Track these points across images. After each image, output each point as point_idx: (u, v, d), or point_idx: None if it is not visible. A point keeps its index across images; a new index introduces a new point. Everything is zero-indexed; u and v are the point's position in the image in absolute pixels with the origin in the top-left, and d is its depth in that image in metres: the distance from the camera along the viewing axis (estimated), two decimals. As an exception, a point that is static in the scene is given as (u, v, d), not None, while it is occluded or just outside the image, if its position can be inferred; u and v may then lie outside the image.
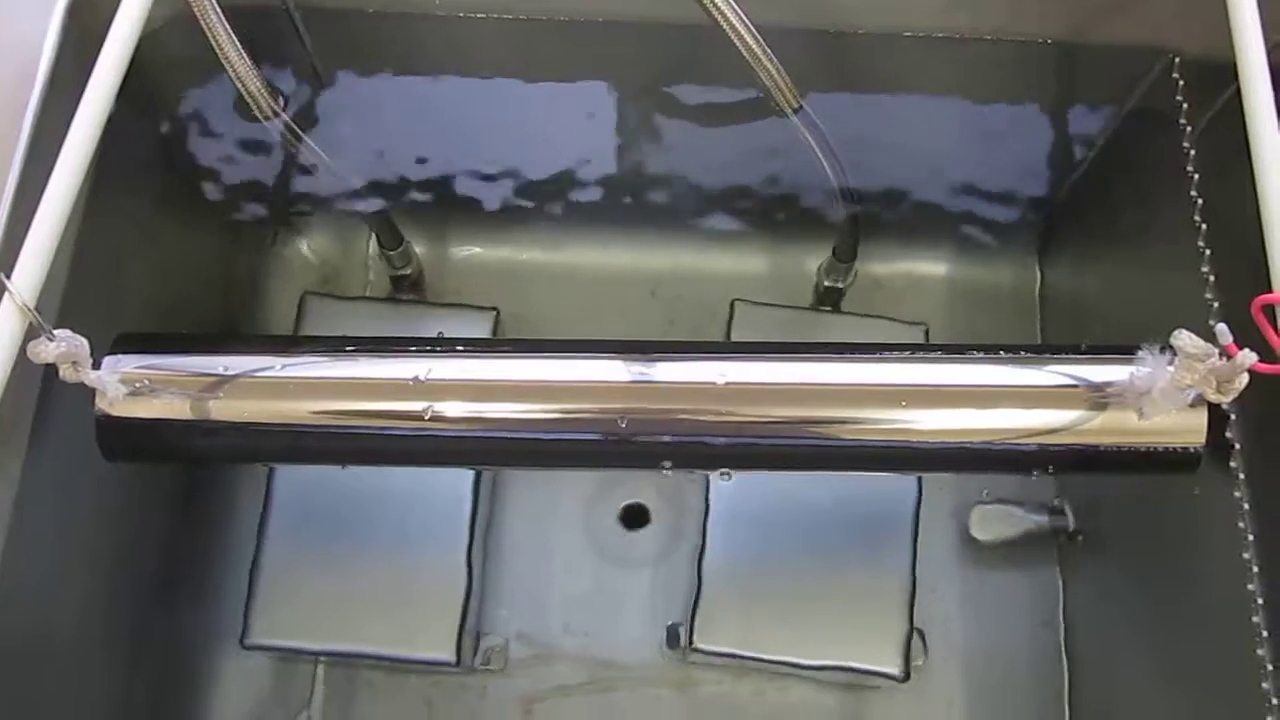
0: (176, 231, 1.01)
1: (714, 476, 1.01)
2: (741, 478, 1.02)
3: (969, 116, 0.98)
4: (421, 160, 1.04)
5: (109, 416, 0.78)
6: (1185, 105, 0.89)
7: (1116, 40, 0.90)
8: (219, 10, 0.79)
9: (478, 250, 1.15)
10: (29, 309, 0.64)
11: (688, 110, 0.98)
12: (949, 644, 1.07)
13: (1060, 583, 1.08)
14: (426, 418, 0.78)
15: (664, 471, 0.80)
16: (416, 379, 0.78)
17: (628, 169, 1.07)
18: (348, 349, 0.81)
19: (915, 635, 0.99)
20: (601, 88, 0.98)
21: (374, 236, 1.10)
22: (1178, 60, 0.89)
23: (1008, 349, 0.81)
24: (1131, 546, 0.99)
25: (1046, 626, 1.07)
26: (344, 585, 0.98)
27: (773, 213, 1.09)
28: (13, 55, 0.76)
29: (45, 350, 0.66)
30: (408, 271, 1.06)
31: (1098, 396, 0.77)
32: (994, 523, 1.06)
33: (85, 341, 0.72)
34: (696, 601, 0.99)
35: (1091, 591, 1.04)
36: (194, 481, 1.08)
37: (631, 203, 1.10)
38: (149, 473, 0.99)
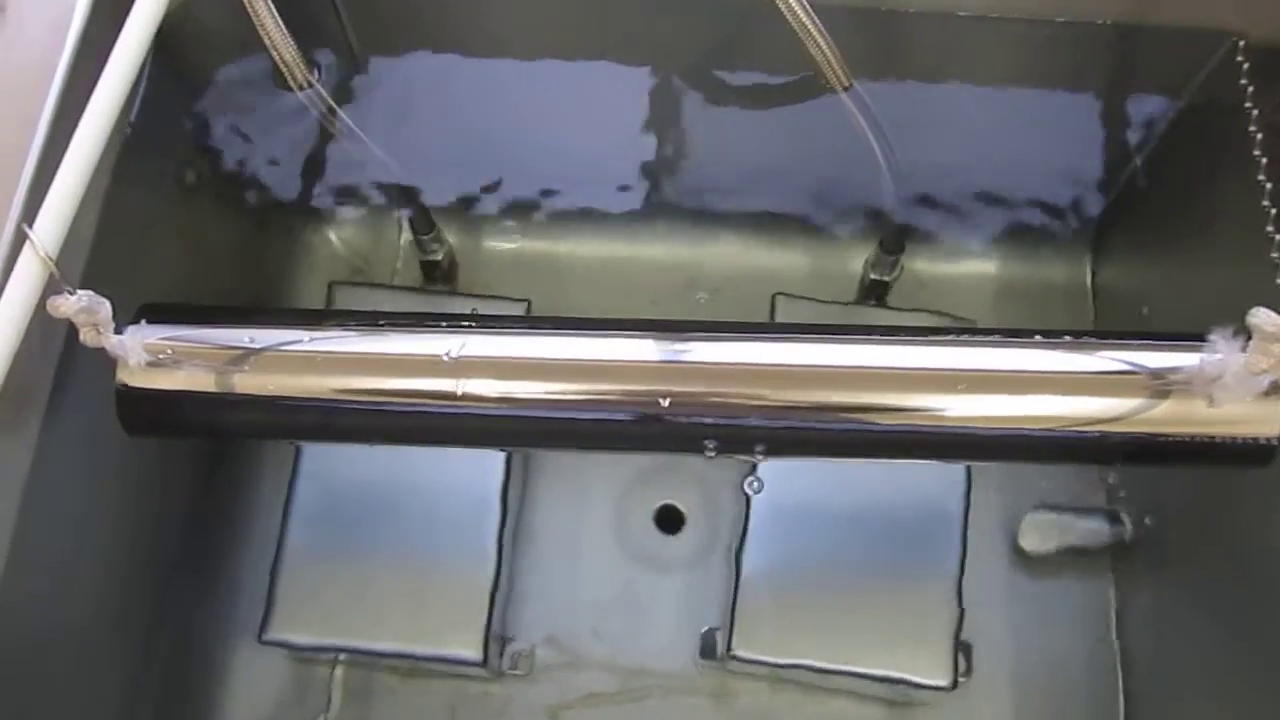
0: (203, 216, 1.00)
1: (747, 485, 0.99)
2: (781, 479, 1.01)
3: (1022, 103, 0.96)
4: (457, 145, 1.03)
5: (130, 387, 0.77)
6: (1251, 89, 0.86)
7: (1178, 22, 0.88)
8: (256, -31, 0.79)
9: (511, 242, 1.14)
10: (49, 260, 0.63)
11: (732, 93, 0.96)
12: (998, 658, 1.03)
13: (1114, 595, 1.04)
14: (458, 395, 0.77)
15: (708, 453, 0.78)
16: (448, 355, 0.77)
17: (668, 157, 1.05)
18: (379, 323, 0.79)
19: (962, 649, 0.95)
20: (644, 71, 0.97)
21: (405, 225, 1.09)
22: (1242, 44, 0.87)
23: (1068, 333, 0.79)
24: (1195, 556, 0.95)
25: (1101, 641, 1.03)
26: (367, 580, 0.96)
27: (817, 206, 1.07)
28: (44, 15, 0.75)
29: (65, 304, 0.65)
30: (439, 257, 1.05)
31: (1161, 384, 0.75)
32: (1045, 532, 1.03)
33: (107, 303, 0.71)
34: (734, 606, 0.96)
35: (1150, 604, 1.00)
36: (215, 467, 1.06)
37: (671, 193, 1.09)
38: (168, 454, 0.97)
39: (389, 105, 0.98)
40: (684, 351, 0.77)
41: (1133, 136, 0.97)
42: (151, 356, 0.76)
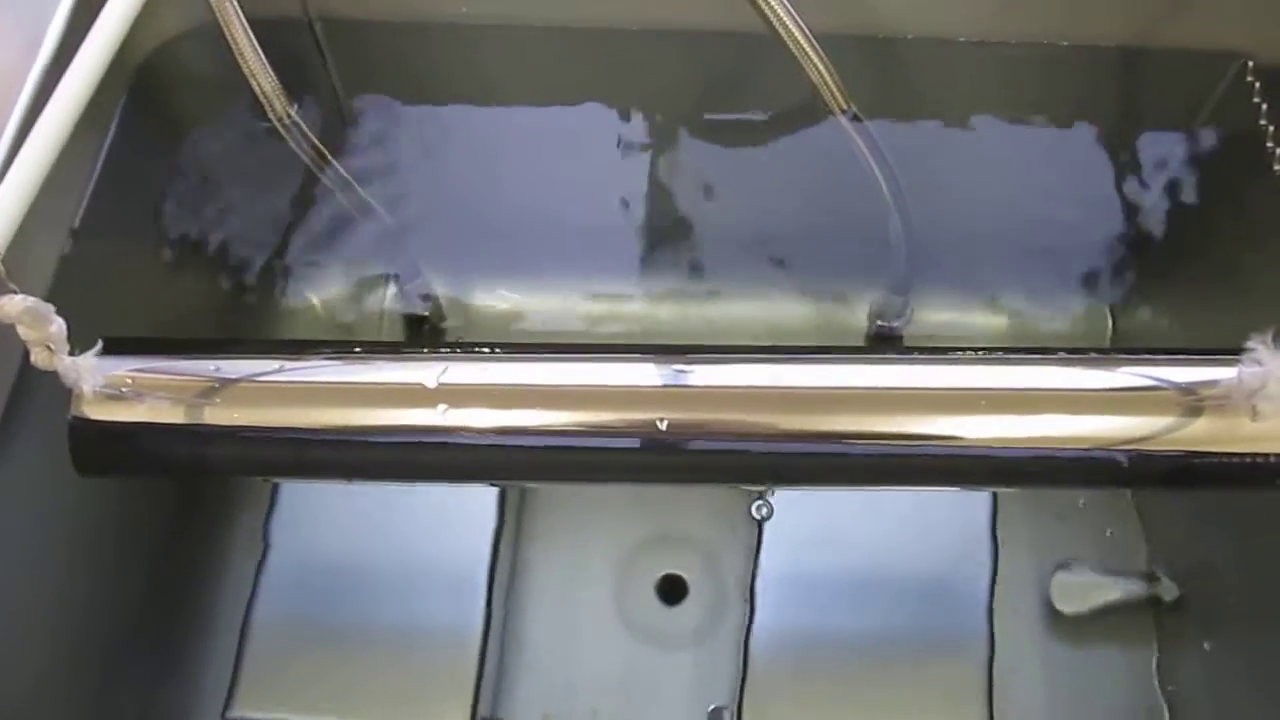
0: (173, 277, 0.97)
1: (756, 510, 0.94)
2: (793, 541, 0.96)
3: (1028, 137, 0.94)
4: (446, 197, 1.01)
5: (84, 420, 0.72)
6: (1265, 106, 0.85)
7: (1184, 45, 0.87)
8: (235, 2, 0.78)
9: (503, 301, 1.10)
10: (-7, 254, 0.60)
11: (728, 133, 0.95)
12: (1034, 735, 0.96)
13: (1158, 661, 0.97)
14: (441, 425, 0.73)
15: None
16: (431, 384, 0.73)
17: (663, 209, 1.03)
18: (356, 350, 0.76)
19: (995, 726, 0.89)
20: (637, 118, 0.96)
21: (390, 284, 1.06)
22: (1251, 64, 0.86)
23: (1094, 350, 0.75)
24: (1251, 615, 0.89)
25: (1149, 713, 0.96)
26: (343, 653, 0.90)
27: (819, 255, 1.05)
28: (22, 24, 0.74)
29: (8, 304, 0.61)
30: (426, 312, 1.02)
31: (1194, 399, 0.71)
32: (1080, 592, 0.96)
33: (60, 320, 0.67)
34: (744, 679, 0.90)
35: (1200, 671, 0.93)
36: (179, 527, 0.99)
37: (667, 248, 1.06)
38: (126, 509, 0.91)
39: (374, 154, 0.96)
40: (685, 374, 0.73)
41: (1147, 169, 0.95)
42: (112, 389, 0.73)
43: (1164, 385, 0.72)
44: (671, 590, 1.02)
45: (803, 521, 0.95)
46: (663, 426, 0.71)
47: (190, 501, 1.01)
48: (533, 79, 0.93)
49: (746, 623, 0.92)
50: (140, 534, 0.93)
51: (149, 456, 0.73)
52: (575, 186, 1.00)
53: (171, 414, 0.73)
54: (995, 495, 0.95)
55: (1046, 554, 1.00)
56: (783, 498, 0.96)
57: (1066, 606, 0.96)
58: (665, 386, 0.73)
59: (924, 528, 0.95)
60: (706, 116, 0.95)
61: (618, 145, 0.98)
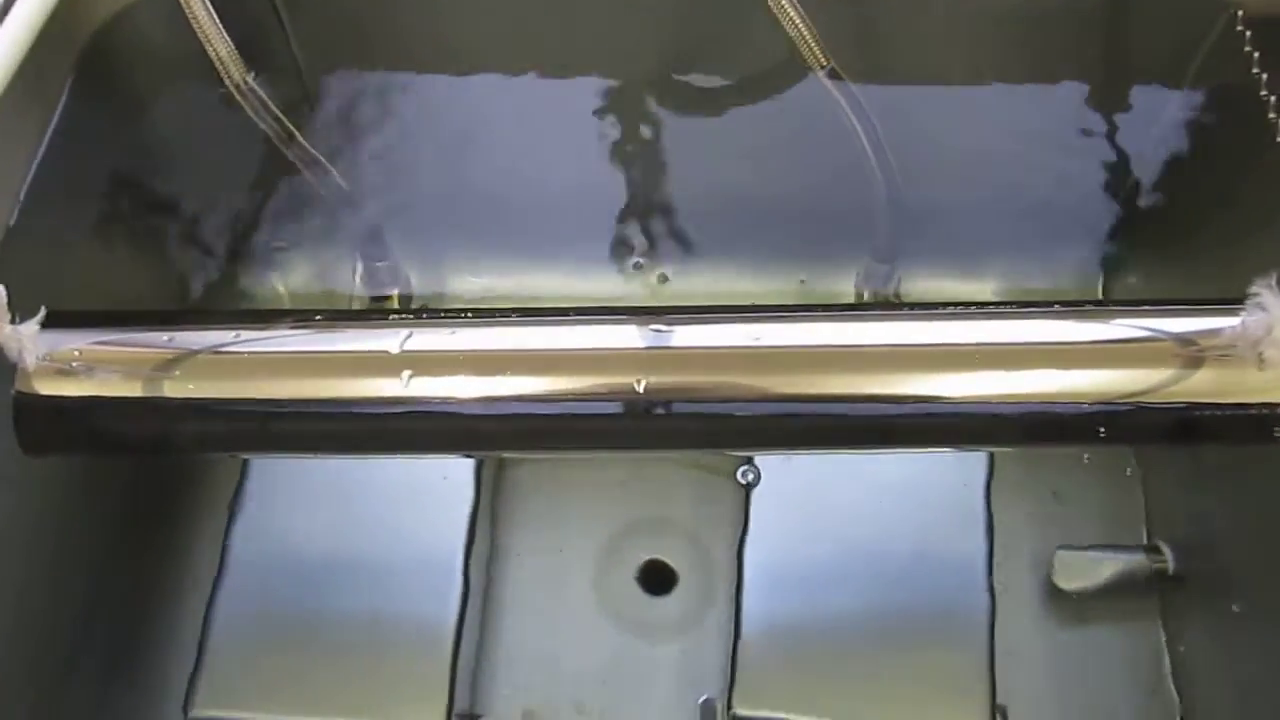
0: (126, 255, 0.94)
1: (741, 475, 0.91)
2: (783, 519, 0.92)
3: (1014, 99, 0.92)
4: (414, 172, 0.98)
5: (28, 395, 0.69)
6: (1257, 54, 0.83)
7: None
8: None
9: (476, 277, 1.07)
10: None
11: (705, 97, 0.92)
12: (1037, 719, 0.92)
13: (1165, 639, 0.94)
14: (405, 395, 0.70)
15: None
16: (394, 351, 0.70)
17: (640, 179, 1.00)
18: (316, 318, 0.73)
19: (998, 712, 0.85)
20: (611, 83, 0.93)
21: (357, 266, 1.03)
22: (1240, 13, 0.84)
23: (1089, 303, 0.73)
24: (1260, 586, 0.86)
25: (1155, 695, 0.93)
26: (311, 649, 0.86)
27: (801, 224, 1.02)
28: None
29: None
30: (393, 292, 0.99)
31: (1194, 350, 0.69)
32: (1081, 568, 0.93)
33: (1, 288, 0.64)
34: (734, 666, 0.87)
35: (1208, 647, 0.90)
36: (137, 513, 0.96)
37: (646, 220, 1.04)
38: (78, 493, 0.88)
39: (338, 127, 0.94)
40: (664, 335, 0.70)
41: (1138, 129, 0.93)
42: (59, 363, 0.70)
43: (1163, 336, 0.70)
44: (657, 578, 0.99)
45: (792, 498, 0.92)
46: (640, 389, 0.69)
47: (148, 485, 0.97)
48: (498, 47, 0.90)
49: (734, 606, 0.89)
50: (94, 520, 0.90)
51: (100, 433, 0.70)
52: (545, 158, 0.97)
53: (123, 388, 0.69)
54: (991, 468, 0.92)
55: (1045, 531, 0.97)
56: (772, 471, 0.93)
57: (1068, 583, 0.93)
58: (643, 348, 0.70)
59: (917, 503, 0.92)
60: (676, 77, 0.93)
61: (586, 113, 0.95)
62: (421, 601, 0.89)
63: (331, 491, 0.92)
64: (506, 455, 0.96)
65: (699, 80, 0.92)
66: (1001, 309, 0.72)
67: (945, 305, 0.72)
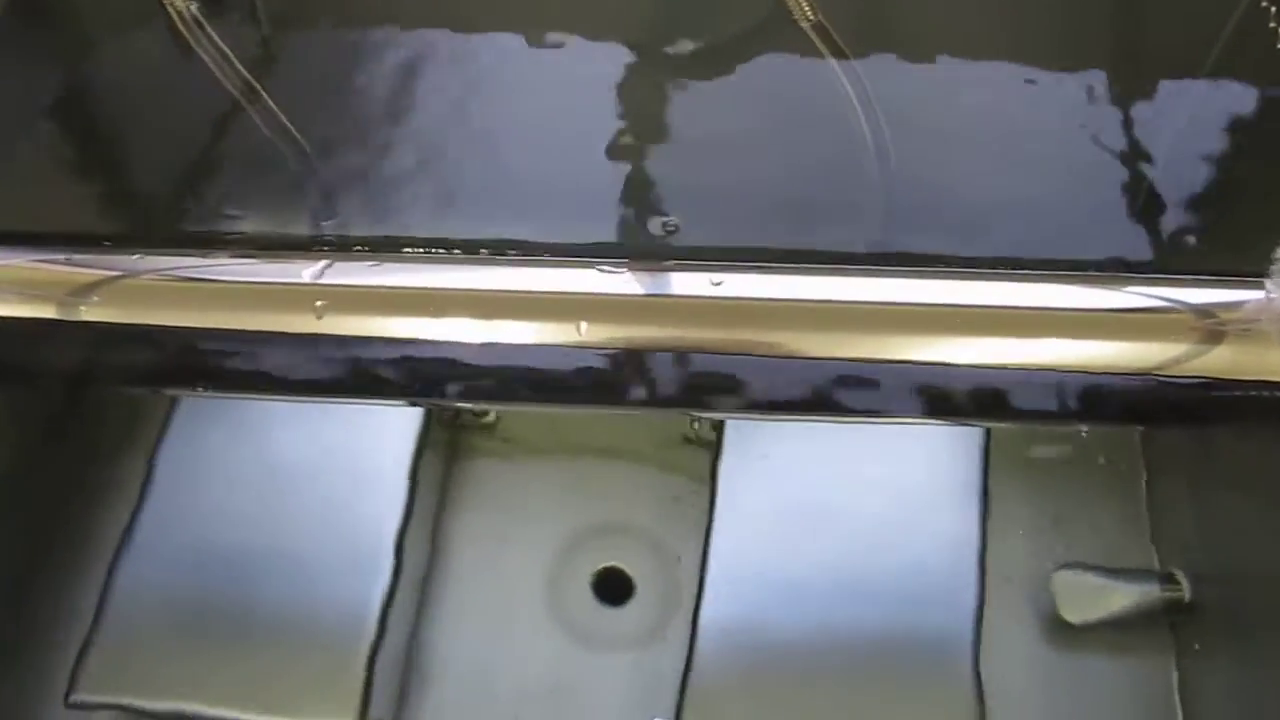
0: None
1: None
2: (751, 516, 0.84)
3: (1035, 81, 0.85)
4: (370, 133, 0.91)
5: None
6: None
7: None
8: None
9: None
10: None
11: (691, 62, 0.86)
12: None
13: (1178, 677, 0.84)
14: (317, 331, 0.63)
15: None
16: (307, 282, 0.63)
17: (622, 163, 0.93)
18: (233, 244, 0.66)
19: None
20: (593, 47, 0.87)
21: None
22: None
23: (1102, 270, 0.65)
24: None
25: (1168, 740, 0.82)
26: (216, 632, 0.78)
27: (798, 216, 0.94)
28: None
29: None
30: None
31: (1214, 323, 0.61)
32: (1086, 596, 0.84)
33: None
34: (687, 676, 0.78)
35: (1228, 686, 0.80)
36: (34, 464, 0.87)
37: (634, 214, 0.96)
38: None
39: (299, 84, 0.87)
40: (613, 277, 0.63)
41: (1158, 113, 0.85)
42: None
43: (1181, 307, 0.63)
44: (613, 586, 0.90)
45: (765, 500, 0.84)
46: (582, 333, 0.62)
47: (51, 433, 0.90)
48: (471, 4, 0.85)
49: (693, 614, 0.80)
50: None
51: (11, 359, 0.64)
52: (519, 128, 0.90)
53: (24, 308, 0.63)
54: (985, 473, 0.83)
55: (1044, 552, 0.88)
56: (740, 466, 0.85)
57: (1072, 614, 0.83)
58: (591, 293, 0.63)
59: (903, 511, 0.83)
60: (669, 48, 0.86)
61: (574, 82, 0.88)
62: (344, 586, 0.81)
63: (257, 456, 0.85)
64: (439, 405, 0.88)
65: (685, 45, 0.85)
66: (998, 271, 0.64)
67: (938, 262, 0.64)
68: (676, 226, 0.70)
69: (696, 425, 0.93)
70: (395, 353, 0.64)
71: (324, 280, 0.63)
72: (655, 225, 0.70)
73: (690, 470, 0.93)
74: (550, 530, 0.91)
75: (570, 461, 0.94)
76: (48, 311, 0.64)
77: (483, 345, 0.62)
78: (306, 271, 0.64)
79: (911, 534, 0.82)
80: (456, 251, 0.67)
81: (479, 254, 0.66)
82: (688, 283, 0.64)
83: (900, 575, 0.80)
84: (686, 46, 0.82)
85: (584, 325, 0.62)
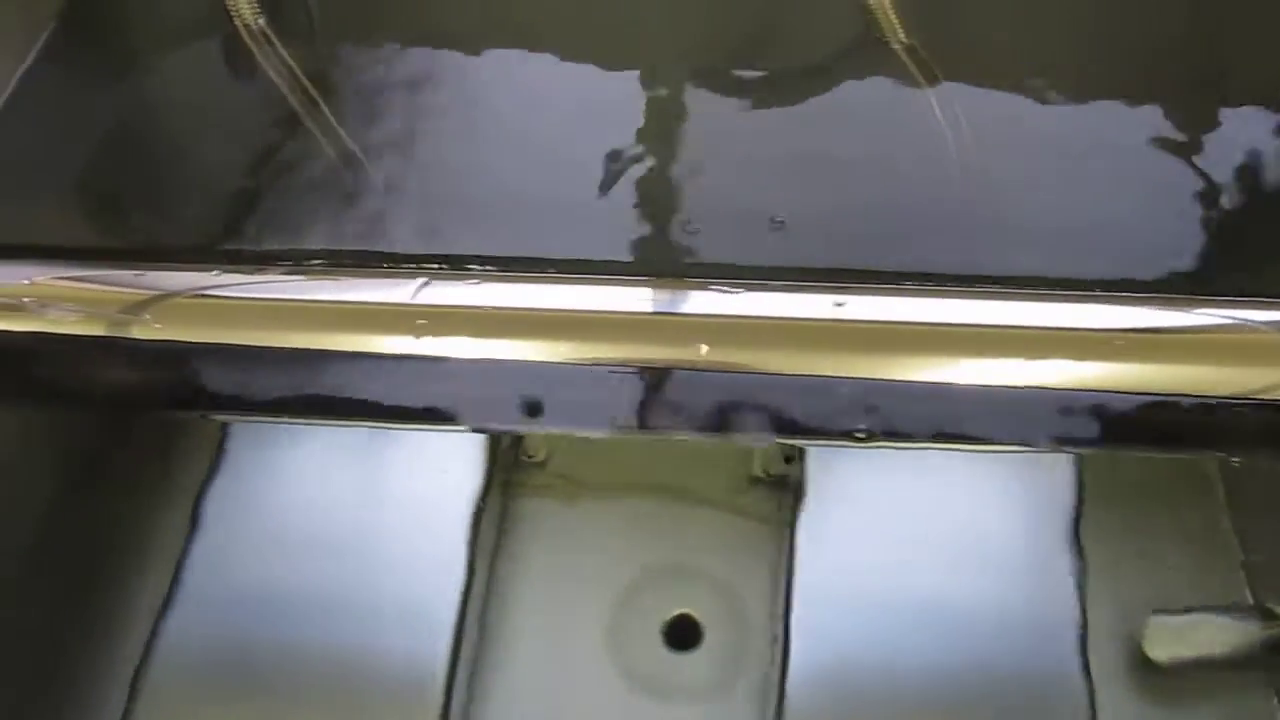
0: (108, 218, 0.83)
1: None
2: (836, 559, 0.81)
3: (1126, 101, 0.84)
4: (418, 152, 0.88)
5: None
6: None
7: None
8: None
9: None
10: None
11: (758, 89, 0.84)
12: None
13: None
14: (417, 353, 0.59)
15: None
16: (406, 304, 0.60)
17: (675, 182, 0.91)
18: (315, 264, 0.63)
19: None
20: (647, 70, 0.85)
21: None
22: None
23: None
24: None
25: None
26: (268, 688, 0.73)
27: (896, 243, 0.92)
28: None
29: None
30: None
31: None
32: (1172, 635, 0.82)
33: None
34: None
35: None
36: (79, 498, 0.82)
37: (678, 236, 0.94)
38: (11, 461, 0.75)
39: (361, 99, 0.84)
40: (731, 298, 0.61)
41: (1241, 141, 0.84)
42: (8, 299, 0.59)
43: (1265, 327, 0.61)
44: (680, 631, 0.86)
45: (847, 544, 0.81)
46: (703, 355, 0.59)
47: (97, 462, 0.85)
48: (532, 24, 0.83)
49: (779, 669, 0.76)
50: (26, 501, 0.77)
51: (49, 380, 0.60)
52: (567, 153, 0.87)
53: (81, 328, 0.59)
54: (1078, 510, 0.81)
55: (1133, 591, 0.85)
56: (822, 503, 0.82)
57: (1160, 653, 0.81)
58: (711, 314, 0.60)
59: (993, 550, 0.81)
60: (736, 73, 0.85)
61: (624, 106, 0.86)
62: (407, 643, 0.76)
63: (313, 492, 0.81)
64: (522, 431, 0.85)
65: (753, 70, 0.83)
66: (1088, 293, 0.63)
67: (1031, 285, 0.64)
68: (782, 223, 0.68)
69: (764, 462, 0.91)
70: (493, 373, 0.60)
71: (421, 299, 0.60)
72: (762, 242, 0.68)
73: (756, 509, 0.90)
74: (613, 574, 0.88)
75: (629, 501, 0.91)
76: (97, 329, 0.60)
77: (593, 368, 0.59)
78: (401, 290, 0.61)
79: (1007, 570, 0.79)
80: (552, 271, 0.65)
81: (581, 274, 0.64)
82: (809, 304, 0.61)
83: (1000, 613, 0.77)
84: (780, 67, 0.81)
85: (704, 348, 0.60)
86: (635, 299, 0.62)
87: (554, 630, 0.85)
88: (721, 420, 0.63)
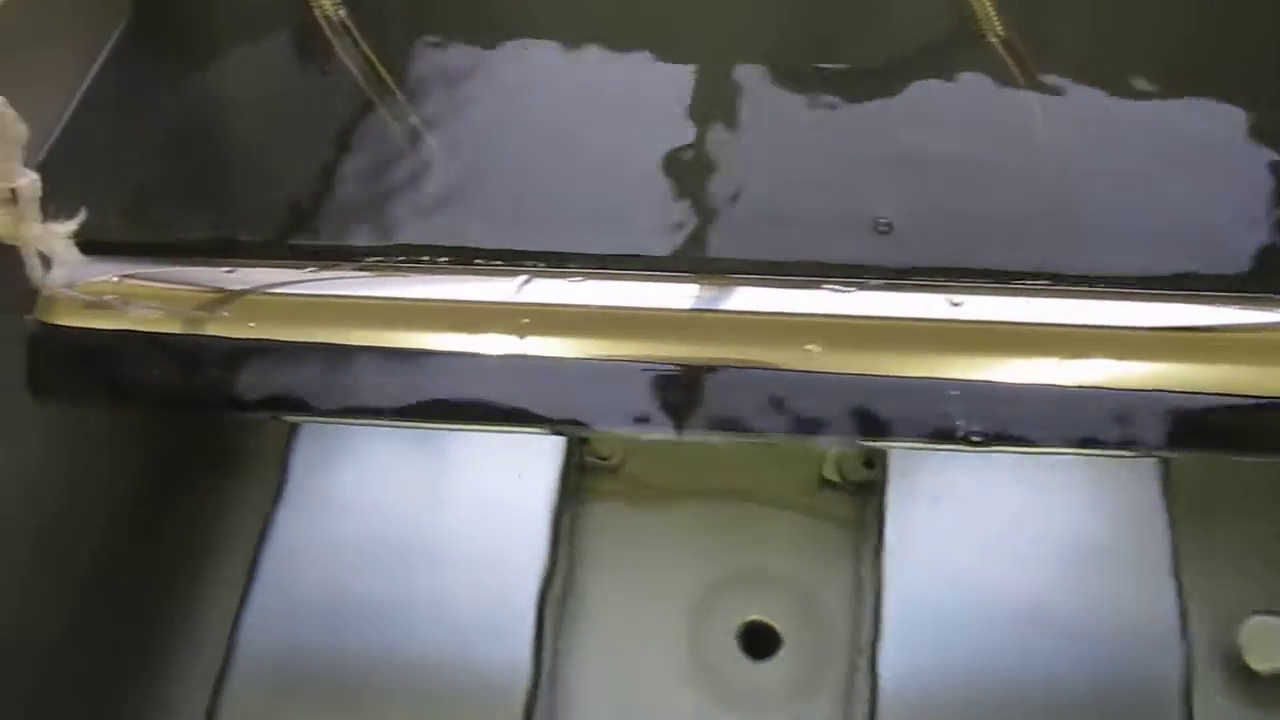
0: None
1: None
2: (926, 566, 0.79)
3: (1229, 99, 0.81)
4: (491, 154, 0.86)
5: (50, 328, 0.57)
6: None
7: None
8: None
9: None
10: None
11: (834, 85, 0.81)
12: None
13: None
14: (520, 353, 0.57)
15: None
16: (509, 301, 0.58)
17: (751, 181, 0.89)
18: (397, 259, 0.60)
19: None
20: (716, 67, 0.83)
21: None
22: None
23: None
24: None
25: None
26: (349, 701, 0.71)
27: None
28: None
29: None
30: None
31: None
32: (1274, 643, 0.80)
33: (35, 176, 0.52)
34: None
35: None
36: (154, 502, 0.80)
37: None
38: (86, 464, 0.73)
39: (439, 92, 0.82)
40: (844, 296, 0.59)
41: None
42: (90, 294, 0.57)
43: None
44: (758, 639, 0.84)
45: (936, 535, 0.79)
46: (815, 356, 0.57)
47: (170, 464, 0.83)
48: (622, 20, 0.80)
49: (870, 679, 0.74)
50: (99, 501, 0.75)
51: (132, 380, 0.58)
52: (662, 151, 0.85)
53: (167, 325, 0.57)
54: (1170, 515, 0.79)
55: (1230, 596, 0.83)
56: (908, 506, 0.80)
57: (1260, 662, 0.79)
58: (822, 313, 0.58)
59: (1087, 555, 0.78)
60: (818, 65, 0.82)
61: (698, 102, 0.83)
62: (487, 648, 0.74)
63: (384, 495, 0.79)
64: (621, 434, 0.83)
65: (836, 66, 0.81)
66: (1173, 292, 0.62)
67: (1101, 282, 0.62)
68: (890, 224, 0.66)
69: (840, 466, 0.88)
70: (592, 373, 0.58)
71: (525, 298, 0.58)
72: (867, 239, 0.66)
73: (831, 513, 0.87)
74: (688, 579, 0.85)
75: (703, 505, 0.88)
76: (172, 327, 0.58)
77: (708, 370, 0.57)
78: (504, 287, 0.58)
79: (1102, 576, 0.77)
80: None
81: (683, 271, 0.61)
82: (924, 304, 0.59)
83: (1097, 620, 0.75)
84: (876, 61, 0.79)
85: (815, 348, 0.57)
86: (744, 299, 0.60)
87: (629, 637, 0.84)
88: (825, 422, 0.61)
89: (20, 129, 0.47)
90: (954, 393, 0.60)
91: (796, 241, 0.66)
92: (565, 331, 0.58)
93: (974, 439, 0.59)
